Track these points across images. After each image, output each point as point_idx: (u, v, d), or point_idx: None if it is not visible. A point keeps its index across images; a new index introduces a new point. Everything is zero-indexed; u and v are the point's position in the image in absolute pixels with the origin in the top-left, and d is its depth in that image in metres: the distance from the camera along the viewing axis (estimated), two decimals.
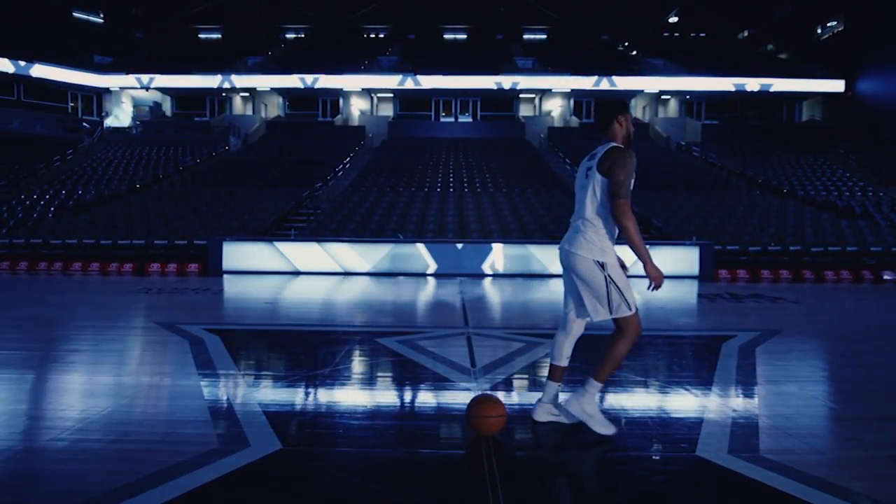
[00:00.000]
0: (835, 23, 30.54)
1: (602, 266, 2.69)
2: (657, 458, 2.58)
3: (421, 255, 12.65)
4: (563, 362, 2.92)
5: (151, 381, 3.81)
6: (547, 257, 12.58)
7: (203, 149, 24.85)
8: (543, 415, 2.94)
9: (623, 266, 2.78)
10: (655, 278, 2.63)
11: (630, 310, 2.70)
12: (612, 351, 2.77)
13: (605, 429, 2.77)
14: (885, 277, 13.04)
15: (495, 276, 12.39)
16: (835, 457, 2.57)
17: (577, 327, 2.90)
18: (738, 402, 3.41)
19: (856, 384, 3.85)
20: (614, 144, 2.74)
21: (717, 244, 13.17)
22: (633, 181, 2.67)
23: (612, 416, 3.22)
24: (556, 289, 10.17)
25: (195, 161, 23.29)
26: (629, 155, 2.66)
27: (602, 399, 3.52)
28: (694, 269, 12.38)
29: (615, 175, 2.62)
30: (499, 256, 12.60)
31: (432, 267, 12.60)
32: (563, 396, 2.98)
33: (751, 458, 2.50)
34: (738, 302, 8.59)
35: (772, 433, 2.84)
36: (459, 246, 12.71)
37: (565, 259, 2.81)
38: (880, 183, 20.00)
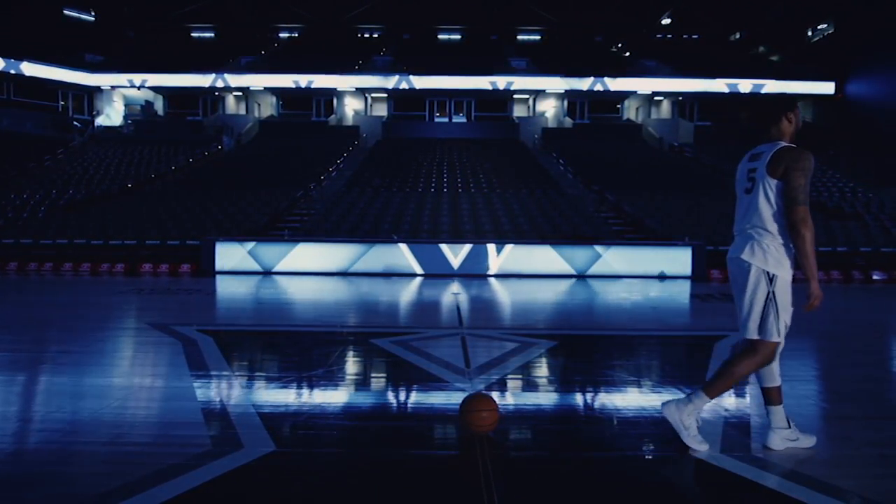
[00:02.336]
0: (826, 25, 30.82)
1: (770, 279, 2.46)
2: (650, 457, 2.60)
3: (415, 255, 12.64)
4: (777, 382, 2.62)
5: (144, 383, 3.79)
6: (543, 257, 12.61)
7: (196, 148, 24.72)
8: (781, 441, 2.62)
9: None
10: (817, 297, 2.42)
11: (778, 337, 2.49)
12: (732, 368, 2.53)
13: (698, 445, 2.56)
14: (875, 278, 13.18)
15: (490, 276, 12.40)
16: (826, 456, 2.60)
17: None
18: (729, 402, 3.43)
19: (846, 383, 3.88)
20: (785, 144, 2.51)
21: (709, 245, 13.24)
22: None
23: (606, 415, 3.24)
24: (552, 289, 10.19)
25: (188, 161, 23.16)
26: (807, 156, 2.41)
27: (595, 398, 3.54)
28: (686, 269, 12.45)
29: (794, 179, 2.39)
30: (494, 256, 12.62)
31: (426, 267, 12.59)
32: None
33: (742, 458, 2.52)
34: (731, 302, 8.64)
35: (763, 432, 2.86)
36: (454, 246, 12.71)
37: (734, 268, 2.60)
38: (870, 184, 20.20)
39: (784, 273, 2.48)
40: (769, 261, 2.46)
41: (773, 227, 2.47)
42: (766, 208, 2.48)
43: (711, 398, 2.57)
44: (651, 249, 12.82)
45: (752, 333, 2.51)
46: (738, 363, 2.53)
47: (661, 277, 12.31)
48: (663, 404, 2.66)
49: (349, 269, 12.56)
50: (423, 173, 21.30)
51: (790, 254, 2.50)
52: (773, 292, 2.47)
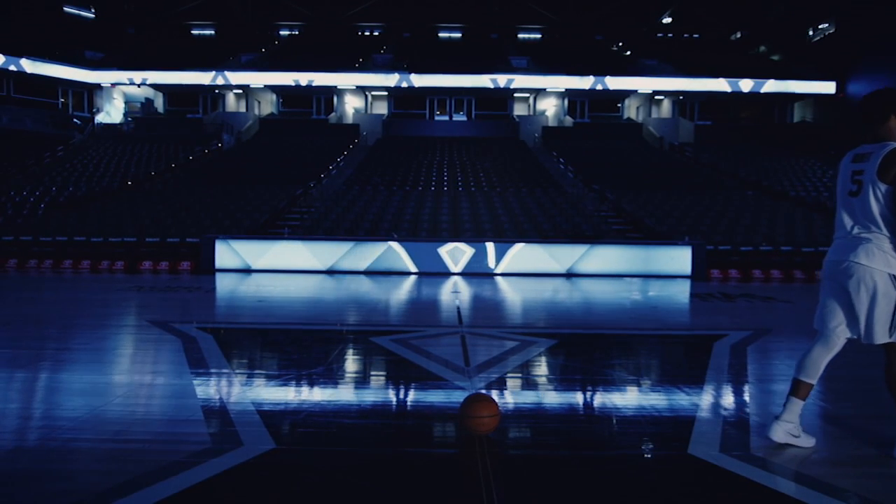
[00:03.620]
0: (826, 25, 30.79)
1: None
2: (649, 456, 2.60)
3: (414, 254, 12.64)
4: (815, 380, 2.63)
5: (144, 380, 3.79)
6: (541, 256, 12.61)
7: (196, 146, 24.69)
8: (783, 434, 2.62)
9: None
10: None
11: None
12: None
13: None
14: None
15: (490, 275, 12.40)
16: (825, 455, 2.60)
17: (841, 344, 2.64)
18: (729, 401, 3.43)
19: (845, 383, 3.88)
20: (895, 145, 2.42)
21: (709, 244, 13.24)
22: None
23: (604, 415, 3.24)
24: (550, 288, 10.18)
25: (187, 158, 23.15)
26: None
27: (594, 397, 3.54)
28: (686, 268, 12.45)
29: None
30: (493, 255, 12.61)
31: (426, 266, 12.58)
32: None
33: (742, 457, 2.53)
34: (730, 301, 8.65)
35: (762, 431, 2.86)
36: (453, 245, 12.70)
37: (838, 270, 2.52)
38: None
39: None
40: (892, 263, 2.41)
41: (889, 230, 2.41)
42: (880, 212, 2.41)
43: None
44: (651, 249, 12.82)
45: (883, 337, 2.46)
46: None
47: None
48: None
49: (350, 268, 12.55)
50: (423, 172, 21.28)
51: None
52: None
